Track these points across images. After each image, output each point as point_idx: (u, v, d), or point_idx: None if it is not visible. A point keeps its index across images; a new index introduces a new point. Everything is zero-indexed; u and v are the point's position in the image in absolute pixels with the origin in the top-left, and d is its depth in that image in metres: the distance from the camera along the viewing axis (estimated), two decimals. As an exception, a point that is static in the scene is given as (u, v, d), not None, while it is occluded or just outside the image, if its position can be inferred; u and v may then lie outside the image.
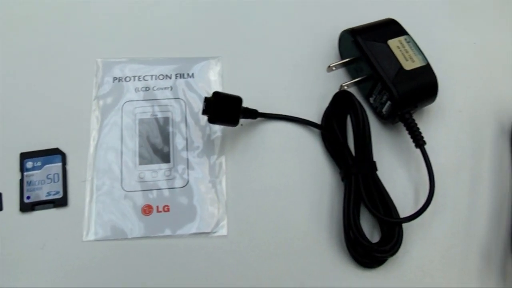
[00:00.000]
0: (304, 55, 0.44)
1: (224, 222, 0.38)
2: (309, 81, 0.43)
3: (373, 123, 0.42)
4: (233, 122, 0.39)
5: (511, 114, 0.42)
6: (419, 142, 0.39)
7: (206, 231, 0.38)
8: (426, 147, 0.39)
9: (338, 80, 0.42)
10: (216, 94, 0.37)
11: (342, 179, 0.39)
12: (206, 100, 0.37)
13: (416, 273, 0.38)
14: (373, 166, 0.38)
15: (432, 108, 0.42)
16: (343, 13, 0.45)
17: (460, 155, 0.41)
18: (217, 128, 0.41)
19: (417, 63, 0.40)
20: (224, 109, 0.38)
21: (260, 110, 0.41)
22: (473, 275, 0.38)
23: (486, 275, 0.38)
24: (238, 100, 0.38)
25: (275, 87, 0.43)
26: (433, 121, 0.42)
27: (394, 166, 0.40)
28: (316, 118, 0.41)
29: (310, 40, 0.45)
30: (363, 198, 0.37)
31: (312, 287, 0.37)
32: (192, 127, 0.41)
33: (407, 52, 0.40)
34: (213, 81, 0.42)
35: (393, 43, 0.40)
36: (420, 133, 0.39)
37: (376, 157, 0.40)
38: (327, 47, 0.44)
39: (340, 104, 0.40)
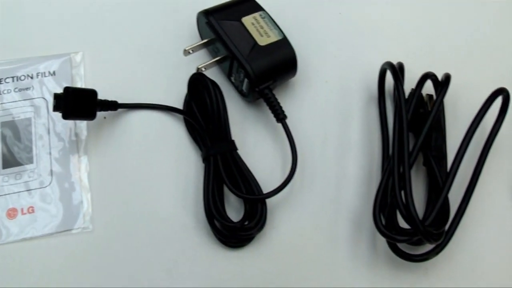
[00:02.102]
0: (166, 40, 0.43)
1: (89, 217, 0.37)
2: (172, 66, 0.42)
3: (238, 102, 0.42)
4: (89, 115, 0.38)
5: (377, 81, 0.42)
6: (280, 116, 0.39)
7: (71, 228, 0.37)
8: (293, 120, 0.39)
9: (201, 63, 0.41)
10: (66, 89, 0.37)
11: (203, 162, 0.38)
12: (56, 96, 0.36)
13: (286, 246, 0.38)
14: (231, 145, 0.38)
15: (298, 81, 0.42)
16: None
17: (328, 125, 0.41)
18: (82, 124, 0.40)
19: (273, 38, 0.39)
20: (76, 103, 0.37)
21: (126, 101, 0.40)
22: (344, 243, 0.38)
23: (357, 242, 0.38)
24: (91, 92, 0.38)
25: (139, 77, 0.42)
26: (299, 93, 0.42)
27: (261, 143, 0.40)
28: (181, 103, 0.41)
29: (171, 24, 0.44)
30: (223, 178, 0.37)
31: (180, 274, 0.36)
32: (55, 125, 0.40)
33: (262, 27, 0.40)
34: (75, 76, 0.42)
35: (248, 20, 0.40)
36: (280, 107, 0.39)
37: (243, 135, 0.40)
38: (190, 31, 0.43)
39: (196, 87, 0.39)
